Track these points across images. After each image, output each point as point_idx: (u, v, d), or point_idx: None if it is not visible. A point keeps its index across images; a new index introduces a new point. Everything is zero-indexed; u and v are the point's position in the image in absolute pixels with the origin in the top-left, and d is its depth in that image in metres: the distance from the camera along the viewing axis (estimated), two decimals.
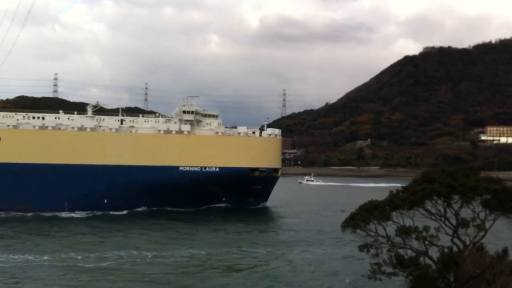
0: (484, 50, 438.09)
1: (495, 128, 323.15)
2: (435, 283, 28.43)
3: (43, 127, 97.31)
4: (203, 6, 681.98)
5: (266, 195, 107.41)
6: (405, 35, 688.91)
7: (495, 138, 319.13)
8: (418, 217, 30.80)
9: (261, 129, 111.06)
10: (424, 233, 29.50)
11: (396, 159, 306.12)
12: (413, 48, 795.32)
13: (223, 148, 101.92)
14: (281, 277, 44.39)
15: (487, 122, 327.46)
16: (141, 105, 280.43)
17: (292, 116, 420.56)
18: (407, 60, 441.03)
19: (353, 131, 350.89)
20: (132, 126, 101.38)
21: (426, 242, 29.51)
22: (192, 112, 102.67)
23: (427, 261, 29.58)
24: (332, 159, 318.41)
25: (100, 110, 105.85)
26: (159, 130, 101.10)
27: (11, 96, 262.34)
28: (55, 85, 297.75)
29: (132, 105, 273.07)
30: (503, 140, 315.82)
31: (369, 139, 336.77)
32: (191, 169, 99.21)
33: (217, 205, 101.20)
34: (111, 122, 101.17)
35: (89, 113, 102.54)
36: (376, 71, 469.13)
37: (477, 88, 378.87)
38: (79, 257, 51.96)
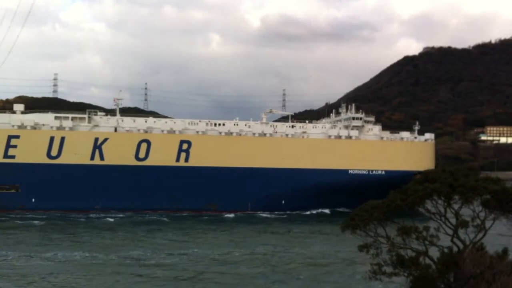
0: (484, 50, 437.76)
1: (495, 128, 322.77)
2: (435, 283, 28.42)
3: (228, 133, 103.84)
4: (204, 5, 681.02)
5: None
6: (408, 35, 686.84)
7: (495, 138, 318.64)
8: (418, 217, 30.77)
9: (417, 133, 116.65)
10: (424, 233, 29.46)
11: None
12: (416, 48, 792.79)
13: (387, 152, 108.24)
14: None
15: (487, 122, 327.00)
16: (141, 105, 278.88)
17: (293, 116, 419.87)
18: (407, 60, 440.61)
19: None
20: (304, 132, 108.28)
21: (426, 242, 29.49)
22: (361, 119, 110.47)
23: (427, 261, 29.56)
24: None
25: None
26: (329, 136, 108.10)
27: (11, 96, 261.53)
28: (55, 85, 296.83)
29: (133, 105, 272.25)
30: (503, 140, 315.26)
31: None
32: (359, 172, 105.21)
33: None
34: (284, 127, 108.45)
35: (264, 119, 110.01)
36: (378, 71, 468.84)
37: (477, 88, 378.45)
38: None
